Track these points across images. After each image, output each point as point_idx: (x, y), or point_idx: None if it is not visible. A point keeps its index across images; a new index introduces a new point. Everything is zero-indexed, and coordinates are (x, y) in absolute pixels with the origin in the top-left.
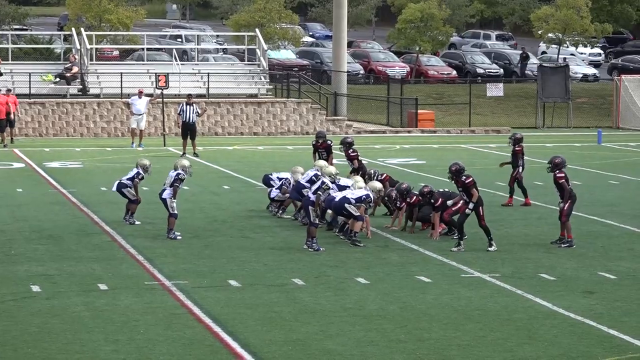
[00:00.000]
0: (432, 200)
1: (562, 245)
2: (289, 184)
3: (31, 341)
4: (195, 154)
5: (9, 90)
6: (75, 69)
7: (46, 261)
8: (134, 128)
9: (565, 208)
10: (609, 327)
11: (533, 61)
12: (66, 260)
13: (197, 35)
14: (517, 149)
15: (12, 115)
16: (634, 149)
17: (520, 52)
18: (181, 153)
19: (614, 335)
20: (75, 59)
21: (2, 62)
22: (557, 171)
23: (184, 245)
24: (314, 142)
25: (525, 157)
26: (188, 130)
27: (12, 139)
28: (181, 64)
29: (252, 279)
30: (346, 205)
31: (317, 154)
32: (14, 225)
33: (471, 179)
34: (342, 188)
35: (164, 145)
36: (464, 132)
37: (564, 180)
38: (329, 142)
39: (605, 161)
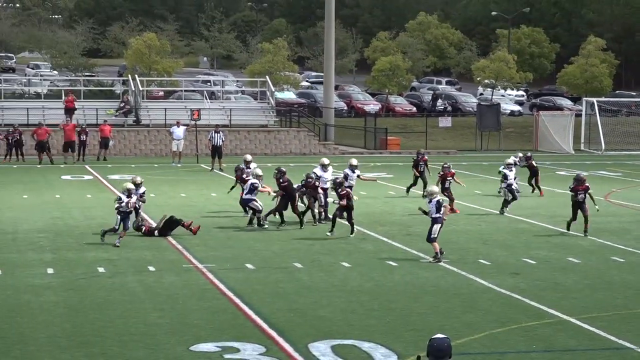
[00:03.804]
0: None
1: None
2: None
3: (98, 309)
4: (221, 169)
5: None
6: (127, 107)
7: (109, 249)
8: (175, 150)
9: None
10: (530, 300)
11: (469, 100)
12: (124, 249)
13: (222, 80)
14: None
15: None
16: (549, 166)
17: (432, 93)
18: (210, 169)
19: (534, 306)
20: (127, 99)
21: (77, 99)
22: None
23: (212, 238)
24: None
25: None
26: (216, 152)
27: (105, 157)
28: (210, 102)
29: (263, 263)
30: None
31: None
32: (85, 222)
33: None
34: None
35: (197, 163)
36: None
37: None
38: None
39: (527, 175)
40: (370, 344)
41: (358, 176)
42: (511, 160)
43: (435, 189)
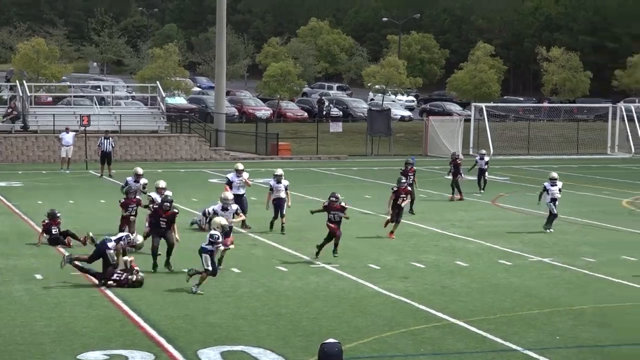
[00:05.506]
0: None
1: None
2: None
3: None
4: (110, 175)
5: None
6: (14, 113)
7: None
8: (63, 157)
9: None
10: (419, 303)
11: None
12: (11, 257)
13: (112, 86)
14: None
15: None
16: (438, 171)
17: (319, 98)
18: (99, 175)
19: (422, 309)
20: (15, 104)
21: None
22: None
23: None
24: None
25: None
26: (105, 158)
27: None
28: (100, 107)
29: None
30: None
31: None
32: None
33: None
34: None
35: (86, 169)
36: (313, 158)
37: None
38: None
39: (417, 180)
40: (260, 349)
41: (286, 188)
42: (555, 174)
43: (221, 221)
